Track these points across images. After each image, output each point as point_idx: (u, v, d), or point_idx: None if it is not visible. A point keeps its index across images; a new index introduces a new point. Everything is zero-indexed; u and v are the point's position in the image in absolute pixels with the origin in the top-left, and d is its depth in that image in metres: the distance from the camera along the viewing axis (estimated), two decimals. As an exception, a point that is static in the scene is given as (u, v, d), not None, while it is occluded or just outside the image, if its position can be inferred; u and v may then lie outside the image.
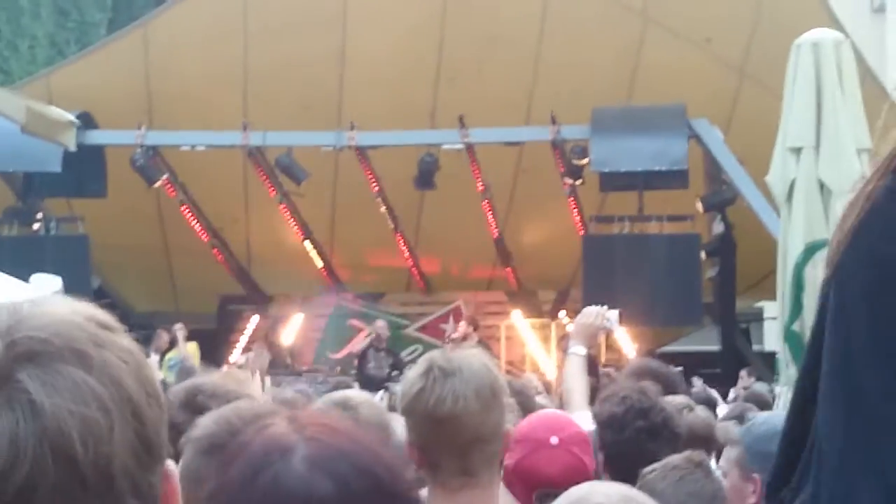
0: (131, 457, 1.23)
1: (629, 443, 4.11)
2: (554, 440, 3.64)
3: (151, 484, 1.27)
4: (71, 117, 16.17)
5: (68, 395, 1.20)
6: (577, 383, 5.07)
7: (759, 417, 4.31)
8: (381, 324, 18.56)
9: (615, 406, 4.26)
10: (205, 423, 2.51)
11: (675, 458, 3.69)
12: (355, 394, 3.81)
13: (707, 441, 4.81)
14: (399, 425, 3.24)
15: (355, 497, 1.52)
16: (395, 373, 16.95)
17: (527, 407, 5.04)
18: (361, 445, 1.58)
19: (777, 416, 4.36)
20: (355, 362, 18.41)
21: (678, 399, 5.25)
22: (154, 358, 16.67)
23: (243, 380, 3.31)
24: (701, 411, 4.97)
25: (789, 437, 1.76)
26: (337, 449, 1.55)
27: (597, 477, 3.84)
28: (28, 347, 1.22)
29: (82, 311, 1.29)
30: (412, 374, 3.02)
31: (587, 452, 3.70)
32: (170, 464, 1.33)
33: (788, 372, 8.37)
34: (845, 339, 1.59)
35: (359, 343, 18.52)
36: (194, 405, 2.96)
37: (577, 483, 2.95)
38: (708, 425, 4.90)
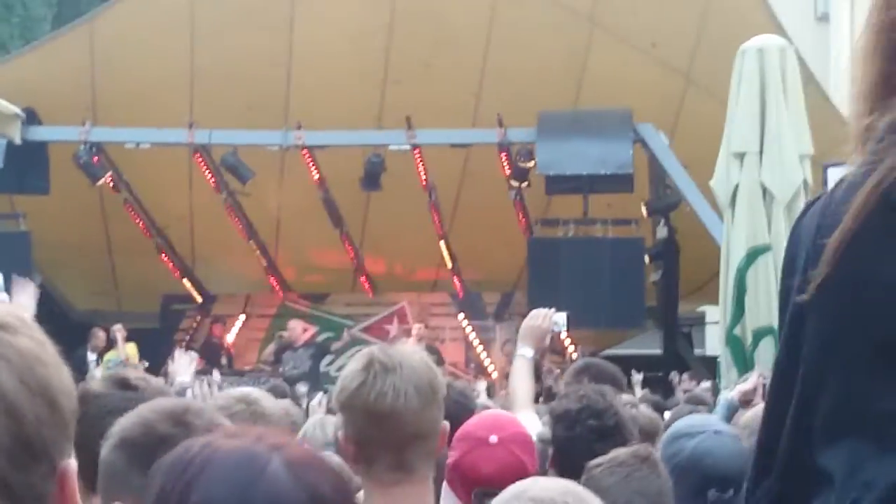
0: (2, 457, 1.22)
1: (578, 440, 4.15)
2: (493, 439, 3.64)
3: (31, 484, 1.25)
4: (16, 110, 16.02)
5: None
6: (522, 384, 5.09)
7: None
8: (292, 324, 18.58)
9: (572, 402, 4.30)
10: (123, 422, 2.51)
11: (621, 453, 3.71)
12: (252, 390, 3.86)
13: (652, 438, 4.87)
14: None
15: (346, 491, 1.53)
16: (325, 360, 17.02)
17: (468, 408, 5.05)
18: (311, 450, 1.59)
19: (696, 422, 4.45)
20: (270, 368, 18.26)
21: (623, 397, 5.30)
22: (91, 357, 16.55)
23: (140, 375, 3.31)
24: (645, 409, 5.01)
25: (765, 443, 1.80)
26: (303, 452, 1.53)
27: (542, 473, 3.86)
28: None
29: None
30: (351, 368, 3.01)
31: (528, 452, 3.71)
32: (69, 465, 1.31)
33: (729, 375, 8.44)
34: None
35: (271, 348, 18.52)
36: (112, 378, 2.97)
37: (516, 482, 2.96)
38: (653, 422, 4.96)
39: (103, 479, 2.44)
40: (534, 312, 5.39)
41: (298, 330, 18.43)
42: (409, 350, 3.08)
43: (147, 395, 2.82)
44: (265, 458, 1.48)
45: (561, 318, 5.45)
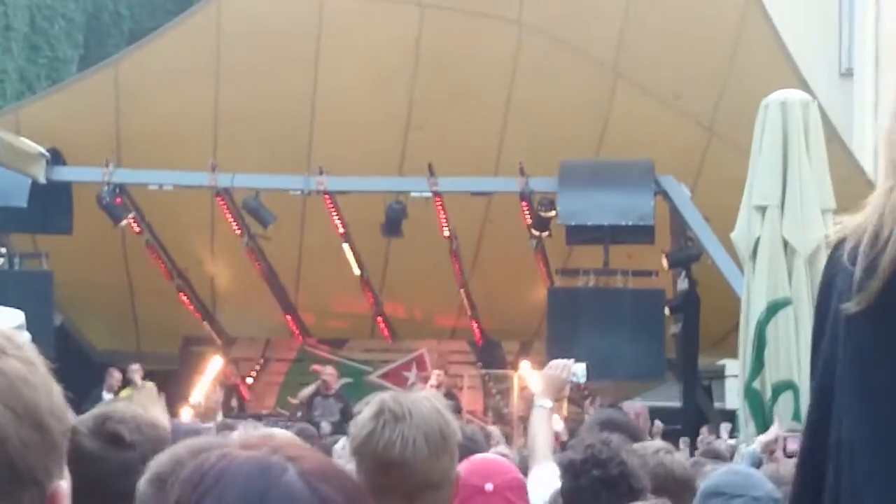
0: None
1: (584, 491, 4.11)
2: (489, 486, 3.61)
3: None
4: (41, 150, 16.11)
5: None
6: (541, 435, 5.05)
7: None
8: (329, 370, 18.41)
9: (577, 453, 4.27)
10: (159, 458, 2.54)
11: None
12: (279, 432, 3.78)
13: (686, 486, 4.79)
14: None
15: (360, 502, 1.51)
16: (345, 422, 16.77)
17: (476, 453, 5.02)
18: (330, 461, 1.57)
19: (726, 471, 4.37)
20: (300, 412, 18.15)
21: (657, 443, 5.24)
22: (107, 397, 16.55)
23: (148, 404, 3.29)
24: (680, 456, 4.95)
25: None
26: (320, 463, 1.52)
27: None
28: None
29: None
30: (363, 416, 2.99)
31: (523, 498, 3.67)
32: (59, 488, 1.30)
33: (748, 429, 8.39)
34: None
35: (309, 390, 18.33)
36: (104, 432, 2.96)
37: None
38: (686, 470, 4.88)
39: None
40: (553, 363, 5.37)
41: (334, 378, 18.29)
42: (421, 397, 3.04)
43: (145, 449, 2.83)
44: (281, 468, 1.46)
45: (580, 368, 5.43)
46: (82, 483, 2.94)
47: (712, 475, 4.26)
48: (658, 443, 5.20)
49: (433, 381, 18.05)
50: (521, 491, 3.68)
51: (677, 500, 4.58)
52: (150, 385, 16.52)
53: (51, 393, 1.32)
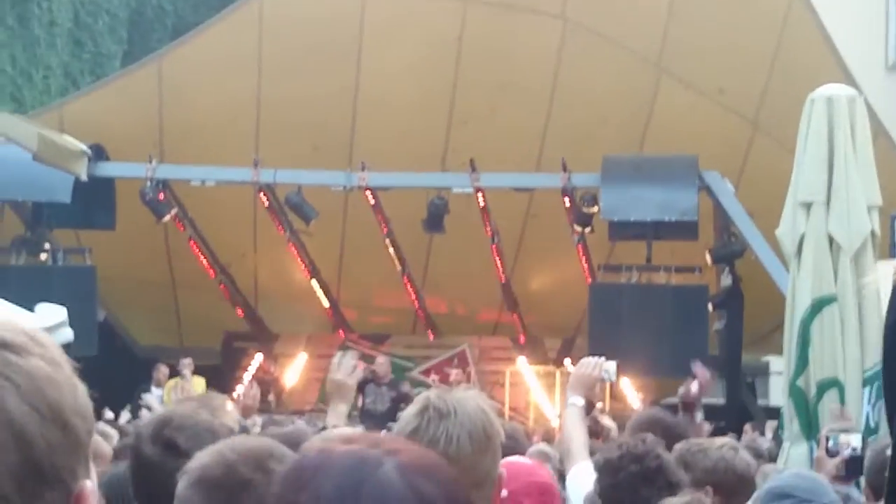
0: (9, 483, 1.20)
1: (623, 487, 4.10)
2: (503, 493, 3.56)
3: None
4: (83, 147, 16.20)
5: None
6: (575, 434, 5.04)
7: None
8: (380, 360, 18.42)
9: (611, 451, 4.27)
10: (203, 459, 2.50)
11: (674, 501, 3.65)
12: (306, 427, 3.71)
13: (743, 482, 4.75)
14: None
15: (458, 499, 1.50)
16: (401, 406, 16.77)
17: (517, 451, 4.99)
18: (433, 453, 1.57)
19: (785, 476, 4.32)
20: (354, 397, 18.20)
21: (724, 439, 5.21)
22: (156, 392, 16.63)
23: (217, 407, 3.26)
24: (745, 454, 4.90)
25: None
26: (422, 456, 1.52)
27: None
28: None
29: None
30: (408, 412, 2.97)
31: (546, 501, 3.62)
32: (85, 487, 1.29)
33: (792, 427, 8.31)
34: None
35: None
36: (162, 438, 2.95)
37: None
38: (747, 465, 4.84)
39: None
40: (583, 361, 5.36)
41: (386, 367, 18.28)
42: (466, 396, 3.02)
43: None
44: (377, 461, 1.46)
45: (611, 366, 5.40)
46: (141, 488, 2.94)
47: (780, 476, 4.24)
48: (725, 439, 5.18)
49: (452, 377, 18.11)
50: (543, 496, 3.63)
51: (733, 496, 4.57)
52: (200, 380, 16.58)
53: (75, 392, 1.30)
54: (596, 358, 5.34)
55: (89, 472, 1.31)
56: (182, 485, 2.45)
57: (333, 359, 5.16)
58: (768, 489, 4.11)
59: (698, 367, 5.51)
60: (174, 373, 17.35)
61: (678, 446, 4.92)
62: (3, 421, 1.21)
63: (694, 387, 5.49)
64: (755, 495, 4.31)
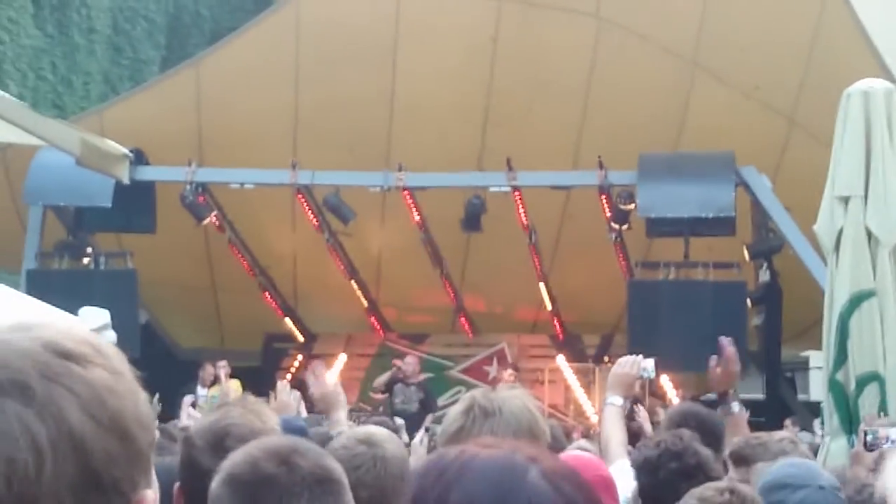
0: (68, 495, 1.20)
1: (663, 485, 4.12)
2: None
3: None
4: (125, 150, 16.31)
5: None
6: (614, 433, 5.03)
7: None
8: (409, 359, 18.45)
9: (649, 450, 4.28)
10: (233, 458, 2.55)
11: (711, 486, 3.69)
12: (378, 430, 3.72)
13: None
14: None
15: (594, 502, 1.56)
16: (424, 412, 16.88)
17: (556, 450, 5.02)
18: (566, 462, 1.62)
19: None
20: (381, 406, 18.16)
21: (782, 433, 5.22)
22: (202, 392, 16.77)
23: (262, 411, 3.32)
24: (804, 448, 4.91)
25: None
26: (560, 465, 1.56)
27: None
28: None
29: (47, 339, 1.27)
30: (454, 411, 2.99)
31: (613, 497, 3.65)
32: (146, 495, 1.29)
33: (832, 422, 8.32)
34: None
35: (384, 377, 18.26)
36: (222, 450, 2.97)
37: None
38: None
39: None
40: (622, 360, 5.36)
41: (414, 366, 18.26)
42: (511, 395, 3.04)
43: None
44: (524, 466, 1.51)
45: (649, 363, 5.40)
46: (194, 495, 2.97)
47: (771, 469, 4.24)
48: (783, 433, 5.19)
49: (505, 380, 18.07)
50: (609, 489, 3.66)
51: None
52: (235, 382, 16.69)
53: (137, 402, 1.30)
54: (634, 356, 5.35)
55: (150, 481, 1.31)
56: (214, 484, 2.50)
57: (307, 376, 5.22)
58: (763, 484, 4.12)
59: (724, 342, 5.48)
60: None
61: (736, 440, 4.93)
62: (63, 432, 1.20)
63: (712, 361, 5.47)
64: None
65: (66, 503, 1.19)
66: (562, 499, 1.49)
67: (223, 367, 16.76)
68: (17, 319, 1.33)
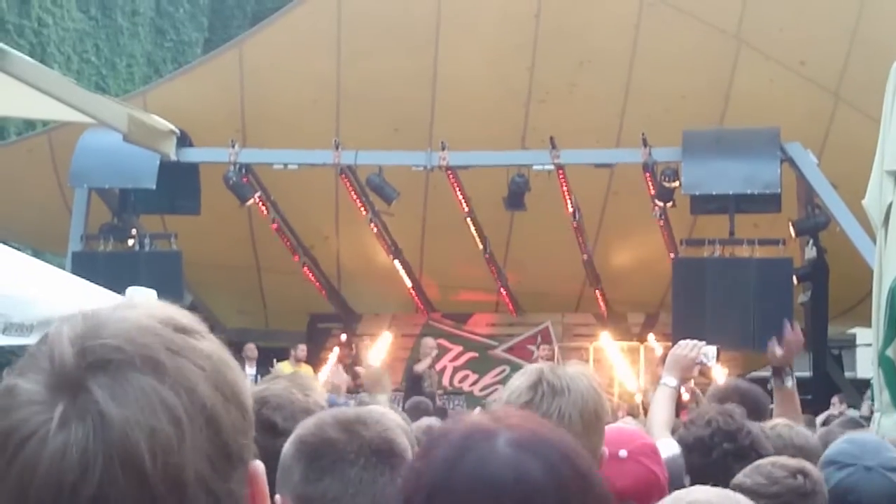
0: (205, 465, 1.22)
1: (716, 465, 4.07)
2: (623, 453, 3.56)
3: (230, 491, 1.25)
4: (171, 126, 16.37)
5: (137, 405, 1.19)
6: (662, 413, 4.97)
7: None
8: (429, 342, 18.61)
9: (701, 429, 4.23)
10: (305, 423, 2.65)
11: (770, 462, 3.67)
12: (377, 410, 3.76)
13: (803, 452, 4.73)
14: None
15: (563, 480, 1.52)
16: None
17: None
18: (560, 434, 1.60)
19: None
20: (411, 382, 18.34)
21: (777, 420, 5.18)
22: (250, 371, 16.93)
23: (308, 385, 3.35)
24: (802, 428, 4.86)
25: None
26: (540, 435, 1.55)
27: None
28: (100, 355, 1.21)
29: (160, 314, 1.28)
30: (518, 384, 2.94)
31: (658, 463, 3.64)
32: (256, 465, 1.32)
33: (882, 398, 8.25)
34: None
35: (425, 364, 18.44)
36: (260, 417, 3.01)
37: (651, 494, 2.91)
38: (807, 439, 4.82)
39: (279, 471, 2.55)
40: (682, 342, 5.29)
41: (432, 348, 18.57)
42: (579, 373, 2.99)
43: None
44: (491, 433, 1.53)
45: (711, 350, 5.33)
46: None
47: (834, 444, 4.21)
48: (777, 420, 5.14)
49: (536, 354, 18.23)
50: (655, 456, 3.65)
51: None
52: (308, 369, 16.85)
53: (242, 374, 1.33)
54: (695, 341, 5.29)
55: (255, 451, 1.33)
56: (285, 448, 2.59)
57: (328, 371, 5.26)
58: (822, 458, 4.10)
59: (787, 327, 5.43)
60: (262, 354, 17.65)
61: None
62: (197, 404, 1.22)
63: (772, 345, 5.42)
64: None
65: (205, 474, 1.22)
66: (514, 470, 1.48)
67: (301, 350, 17.08)
68: (117, 300, 1.35)
